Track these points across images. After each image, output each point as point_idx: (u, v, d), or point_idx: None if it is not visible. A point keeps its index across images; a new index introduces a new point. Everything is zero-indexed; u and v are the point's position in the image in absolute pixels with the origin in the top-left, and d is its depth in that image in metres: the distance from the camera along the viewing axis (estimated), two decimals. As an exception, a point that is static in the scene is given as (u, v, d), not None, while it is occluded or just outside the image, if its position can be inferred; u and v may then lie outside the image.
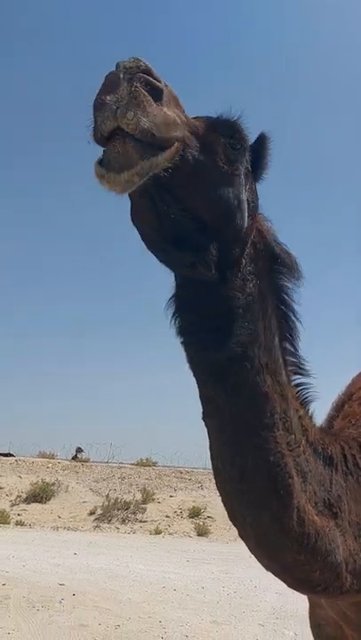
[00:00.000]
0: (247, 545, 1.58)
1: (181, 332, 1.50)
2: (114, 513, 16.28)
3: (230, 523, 1.60)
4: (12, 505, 16.61)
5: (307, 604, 2.28)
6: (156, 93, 1.22)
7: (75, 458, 22.36)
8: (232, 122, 1.49)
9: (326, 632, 2.13)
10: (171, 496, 17.83)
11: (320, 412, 1.83)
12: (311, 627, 2.25)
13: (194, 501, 17.15)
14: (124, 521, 16.08)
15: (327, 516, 1.59)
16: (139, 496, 17.32)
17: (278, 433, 1.52)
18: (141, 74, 1.20)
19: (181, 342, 1.51)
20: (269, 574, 1.63)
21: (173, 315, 1.51)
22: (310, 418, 1.72)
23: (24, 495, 17.13)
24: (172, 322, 1.51)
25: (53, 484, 17.75)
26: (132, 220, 1.40)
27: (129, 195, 1.30)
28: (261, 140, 1.61)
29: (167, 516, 16.45)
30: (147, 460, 21.60)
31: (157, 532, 15.23)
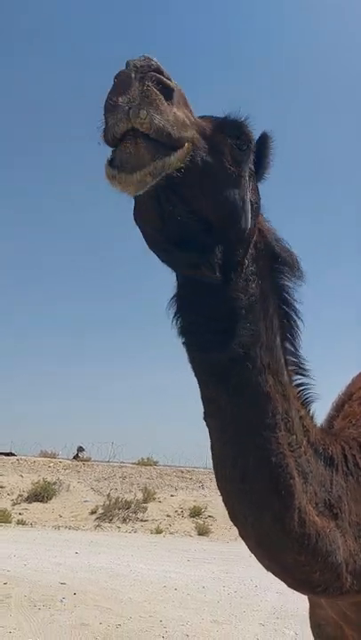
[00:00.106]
0: (248, 545, 1.58)
1: (183, 332, 1.49)
2: (115, 512, 16.30)
3: (231, 522, 1.60)
4: (14, 504, 16.64)
5: (307, 604, 2.28)
6: (168, 93, 1.21)
7: (76, 457, 22.39)
8: (239, 122, 1.48)
9: (326, 632, 2.13)
10: (172, 495, 17.84)
11: (320, 411, 1.83)
12: (311, 626, 2.26)
13: (195, 501, 17.15)
14: (125, 520, 16.09)
15: (328, 517, 1.59)
16: (140, 495, 17.34)
17: (280, 433, 1.52)
18: (153, 73, 1.19)
19: (183, 343, 1.50)
20: (270, 574, 1.63)
21: (175, 315, 1.50)
22: (311, 418, 1.72)
23: (25, 494, 17.16)
24: (174, 322, 1.50)
25: (55, 484, 17.78)
26: (135, 219, 1.39)
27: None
28: (263, 140, 1.60)
29: (168, 516, 16.47)
30: (148, 459, 21.62)
31: (158, 532, 15.24)
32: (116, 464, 21.29)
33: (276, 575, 1.61)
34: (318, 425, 1.80)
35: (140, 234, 1.41)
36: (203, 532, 15.28)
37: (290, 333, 1.67)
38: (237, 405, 1.49)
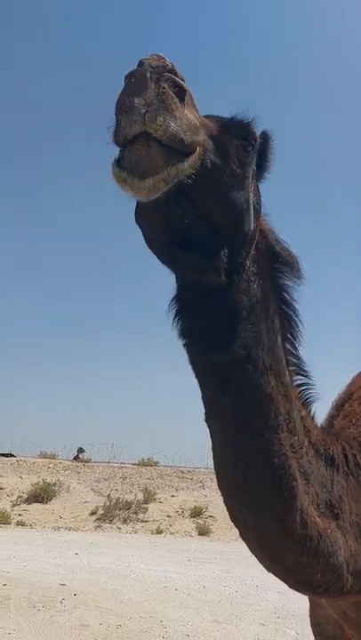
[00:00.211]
0: (248, 546, 1.58)
1: (183, 334, 1.47)
2: (115, 513, 16.29)
3: (232, 522, 1.59)
4: (14, 505, 16.62)
5: (307, 604, 2.28)
6: (181, 94, 1.18)
7: (76, 458, 22.37)
8: (246, 123, 1.46)
9: (326, 631, 2.13)
10: (172, 496, 17.84)
11: (320, 411, 1.82)
12: (311, 626, 2.26)
13: (195, 501, 17.15)
14: (125, 521, 16.09)
15: (329, 518, 1.58)
16: (140, 496, 17.33)
17: (282, 435, 1.51)
18: (168, 73, 1.16)
19: (184, 345, 1.49)
20: (271, 574, 1.63)
21: (175, 317, 1.48)
22: (312, 419, 1.72)
23: (25, 495, 17.15)
24: (174, 324, 1.48)
25: (54, 485, 17.76)
26: (137, 220, 1.38)
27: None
28: (264, 139, 1.58)
29: (169, 516, 16.46)
30: (148, 459, 21.62)
31: (159, 532, 15.24)
32: (116, 465, 21.29)
33: (277, 576, 1.61)
34: (319, 425, 1.80)
35: (141, 235, 1.39)
36: (203, 532, 15.28)
37: (290, 333, 1.66)
38: (239, 407, 1.48)
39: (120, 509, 16.43)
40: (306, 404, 1.70)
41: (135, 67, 1.19)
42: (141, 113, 1.13)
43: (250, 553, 1.60)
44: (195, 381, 1.55)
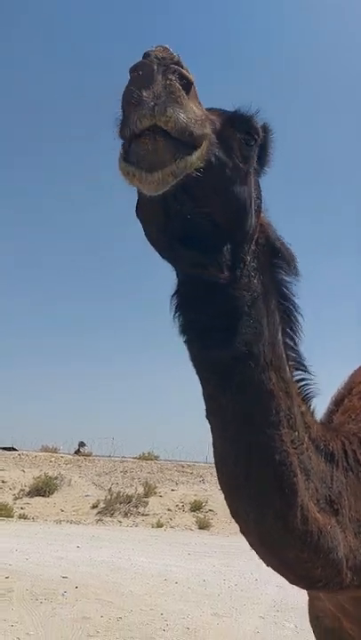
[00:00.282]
0: (249, 541, 1.58)
1: (184, 330, 1.45)
2: (116, 506, 16.38)
3: (232, 517, 1.60)
4: (16, 499, 16.72)
5: (307, 597, 2.30)
6: (187, 87, 1.16)
7: (77, 452, 22.47)
8: (250, 117, 1.44)
9: (325, 624, 2.14)
10: (172, 490, 17.92)
11: (319, 406, 1.83)
12: (310, 619, 2.27)
13: (195, 495, 17.23)
14: (126, 514, 16.18)
15: (329, 513, 1.58)
16: (141, 490, 17.42)
17: (283, 431, 1.51)
18: (175, 65, 1.14)
19: (184, 341, 1.48)
20: (270, 568, 1.65)
21: (176, 313, 1.47)
22: (312, 414, 1.71)
23: (27, 489, 17.24)
24: (175, 319, 1.47)
25: (56, 478, 17.85)
26: (139, 214, 1.36)
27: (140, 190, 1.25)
28: (264, 133, 1.55)
29: (169, 510, 16.55)
30: (149, 454, 21.71)
31: (159, 526, 15.33)
32: (117, 459, 21.37)
33: (276, 571, 1.61)
34: (318, 420, 1.80)
35: (142, 230, 1.38)
36: (203, 525, 15.37)
37: (290, 328, 1.66)
38: (240, 403, 1.47)
39: (121, 503, 16.51)
40: (306, 399, 1.70)
41: (140, 59, 1.17)
42: (150, 106, 1.11)
43: (249, 547, 1.60)
44: (195, 377, 1.54)
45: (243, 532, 1.58)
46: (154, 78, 1.13)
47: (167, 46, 1.17)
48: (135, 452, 22.17)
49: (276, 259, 1.63)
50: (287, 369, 1.61)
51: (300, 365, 1.70)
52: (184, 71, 1.16)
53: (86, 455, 21.80)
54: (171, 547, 11.73)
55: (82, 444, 23.05)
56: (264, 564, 1.63)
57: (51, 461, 19.93)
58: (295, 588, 1.74)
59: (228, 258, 1.37)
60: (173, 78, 1.13)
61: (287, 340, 1.65)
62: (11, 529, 13.07)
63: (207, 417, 1.56)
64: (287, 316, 1.65)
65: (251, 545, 1.59)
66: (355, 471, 1.73)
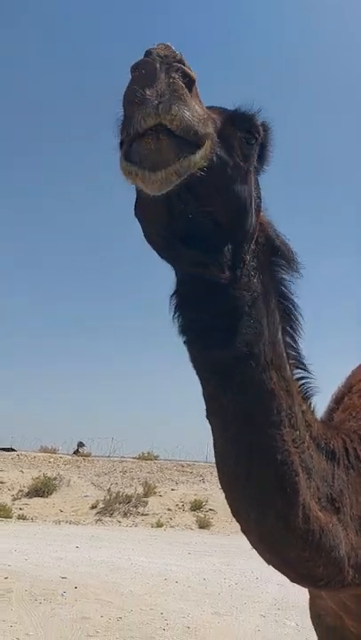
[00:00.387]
0: (250, 540, 1.57)
1: (184, 330, 1.44)
2: (115, 506, 16.38)
3: (232, 516, 1.59)
4: (14, 499, 16.70)
5: (307, 596, 2.29)
6: (190, 84, 1.15)
7: (76, 452, 22.45)
8: (251, 115, 1.43)
9: (326, 622, 2.14)
10: (172, 489, 17.92)
11: (319, 404, 1.82)
12: (311, 617, 2.27)
13: (195, 494, 17.24)
14: (125, 514, 16.17)
15: (330, 512, 1.58)
16: (140, 489, 17.42)
17: (285, 430, 1.50)
18: (177, 63, 1.13)
19: (184, 341, 1.46)
20: (271, 567, 1.64)
21: (175, 313, 1.45)
22: (313, 412, 1.71)
23: (26, 489, 17.22)
24: (174, 319, 1.45)
25: (55, 479, 17.84)
26: (138, 214, 1.35)
27: (138, 189, 1.23)
28: (264, 131, 1.53)
29: (169, 509, 16.55)
30: (148, 453, 21.71)
31: (159, 525, 15.33)
32: (116, 459, 21.37)
33: (278, 569, 1.61)
34: (319, 418, 1.80)
35: (141, 229, 1.37)
36: (203, 525, 15.38)
37: (290, 327, 1.65)
38: (241, 403, 1.46)
39: (120, 503, 16.51)
40: (306, 397, 1.69)
41: (142, 57, 1.15)
42: (155, 104, 1.09)
43: (250, 546, 1.60)
44: (194, 377, 1.53)
45: (244, 531, 1.57)
46: (157, 77, 1.11)
47: (169, 44, 1.16)
48: (134, 451, 22.20)
49: (275, 257, 1.62)
50: (288, 367, 1.60)
51: (300, 364, 1.69)
52: (187, 69, 1.15)
53: (85, 455, 21.79)
54: (171, 546, 11.73)
55: (81, 445, 23.03)
56: (265, 563, 1.63)
57: (50, 462, 19.92)
58: (296, 586, 1.74)
59: (229, 257, 1.36)
60: (177, 76, 1.12)
61: (287, 339, 1.64)
62: (10, 529, 13.05)
63: (208, 417, 1.55)
64: (287, 314, 1.64)
65: (252, 544, 1.58)
66: (356, 469, 1.72)
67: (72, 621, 5.82)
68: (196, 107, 1.17)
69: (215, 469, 1.60)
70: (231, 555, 10.47)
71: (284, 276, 1.64)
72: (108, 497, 16.73)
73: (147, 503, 16.74)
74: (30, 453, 20.91)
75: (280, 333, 1.60)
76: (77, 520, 15.65)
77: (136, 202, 1.34)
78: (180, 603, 6.88)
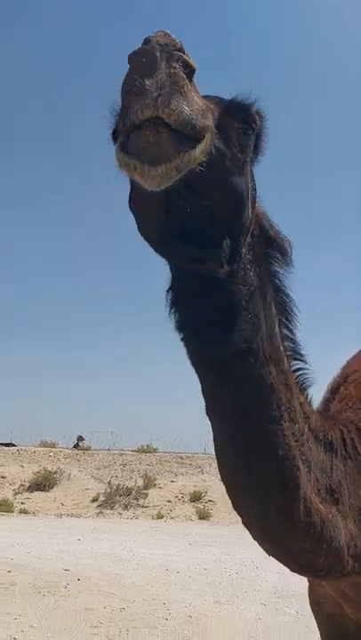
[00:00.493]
0: (251, 533, 1.57)
1: (181, 326, 1.42)
2: (116, 499, 16.47)
3: (231, 507, 1.59)
4: (16, 494, 16.78)
5: (307, 584, 2.32)
6: (190, 75, 1.10)
7: (76, 446, 22.51)
8: (248, 105, 1.40)
9: (325, 609, 2.16)
10: (172, 481, 18.02)
11: (315, 395, 1.82)
12: (311, 605, 2.29)
13: (195, 486, 17.34)
14: (126, 507, 16.27)
15: (330, 503, 1.58)
16: (140, 482, 17.51)
17: (285, 425, 1.49)
18: (178, 52, 1.08)
19: (181, 337, 1.44)
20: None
21: (171, 308, 1.42)
22: (310, 404, 1.70)
23: (27, 484, 17.29)
24: (171, 315, 1.43)
25: (56, 473, 17.91)
26: (132, 208, 1.32)
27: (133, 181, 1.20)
28: (260, 121, 1.48)
29: (169, 501, 16.66)
30: (147, 446, 21.78)
31: (159, 517, 15.44)
32: (116, 452, 21.45)
33: (279, 560, 1.62)
34: (316, 409, 1.80)
35: (135, 222, 1.34)
36: (203, 516, 15.49)
37: (286, 318, 1.64)
38: (239, 399, 1.45)
39: (121, 496, 16.61)
40: (303, 389, 1.68)
41: (141, 45, 1.10)
42: (154, 96, 1.05)
43: (249, 536, 1.61)
44: (193, 372, 1.51)
45: (245, 524, 1.57)
46: (157, 66, 1.06)
47: (168, 31, 1.10)
48: (134, 444, 22.28)
49: (270, 248, 1.60)
50: (285, 360, 1.59)
51: (297, 354, 1.68)
52: (188, 59, 1.10)
53: (85, 449, 21.85)
54: (171, 537, 11.83)
55: (80, 439, 23.09)
56: (264, 553, 1.64)
57: (50, 456, 19.98)
58: (296, 575, 1.76)
59: (227, 252, 1.34)
60: (177, 66, 1.07)
61: (284, 331, 1.63)
62: (12, 524, 13.13)
63: (207, 414, 1.53)
64: (283, 306, 1.62)
65: (253, 536, 1.59)
66: (353, 459, 1.73)
67: (75, 613, 5.88)
68: (196, 99, 1.13)
69: (214, 461, 1.60)
70: (231, 544, 10.56)
71: (278, 268, 1.62)
72: (108, 490, 16.82)
73: (147, 495, 16.84)
74: (30, 448, 20.96)
75: (277, 326, 1.58)
76: (79, 513, 15.75)
77: (130, 194, 1.31)
78: (181, 593, 6.95)
